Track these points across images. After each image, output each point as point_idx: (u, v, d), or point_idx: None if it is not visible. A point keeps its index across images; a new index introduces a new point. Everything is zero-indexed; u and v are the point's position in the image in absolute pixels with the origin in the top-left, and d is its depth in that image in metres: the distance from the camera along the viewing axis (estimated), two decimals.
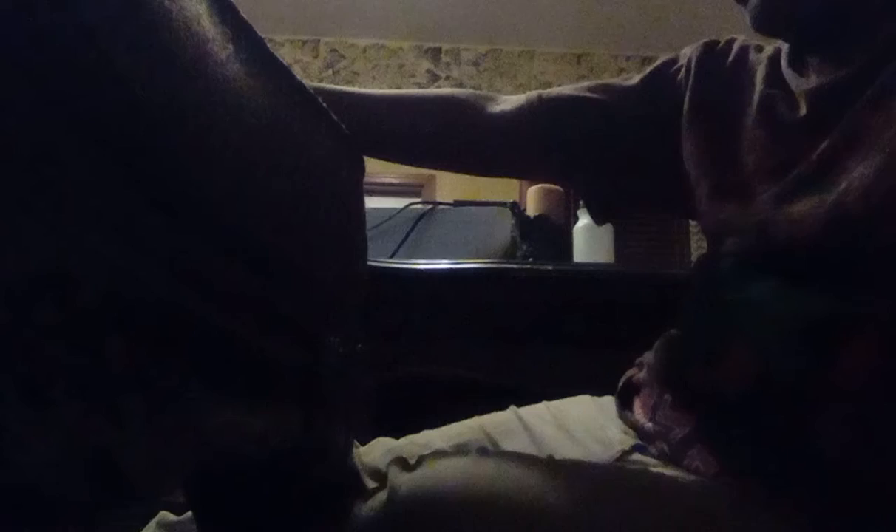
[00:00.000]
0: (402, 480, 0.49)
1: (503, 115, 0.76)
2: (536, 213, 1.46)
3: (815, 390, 0.49)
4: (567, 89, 0.77)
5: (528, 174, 0.90)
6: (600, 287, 1.05)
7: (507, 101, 0.78)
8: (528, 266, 1.16)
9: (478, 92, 0.80)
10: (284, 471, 0.53)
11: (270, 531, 0.55)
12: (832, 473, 0.49)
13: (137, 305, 0.36)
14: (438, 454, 0.53)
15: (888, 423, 0.47)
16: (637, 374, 0.68)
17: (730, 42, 0.70)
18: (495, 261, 1.16)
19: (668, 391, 0.61)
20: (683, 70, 0.71)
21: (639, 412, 0.64)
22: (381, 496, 0.49)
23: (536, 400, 0.75)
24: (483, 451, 0.52)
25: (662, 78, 0.73)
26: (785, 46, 0.64)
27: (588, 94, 0.75)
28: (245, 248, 0.41)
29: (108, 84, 0.30)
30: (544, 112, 0.75)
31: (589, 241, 1.43)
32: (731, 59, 0.69)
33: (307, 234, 0.47)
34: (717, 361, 0.55)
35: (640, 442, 0.61)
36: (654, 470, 0.56)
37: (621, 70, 3.69)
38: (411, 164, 0.82)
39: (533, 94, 0.77)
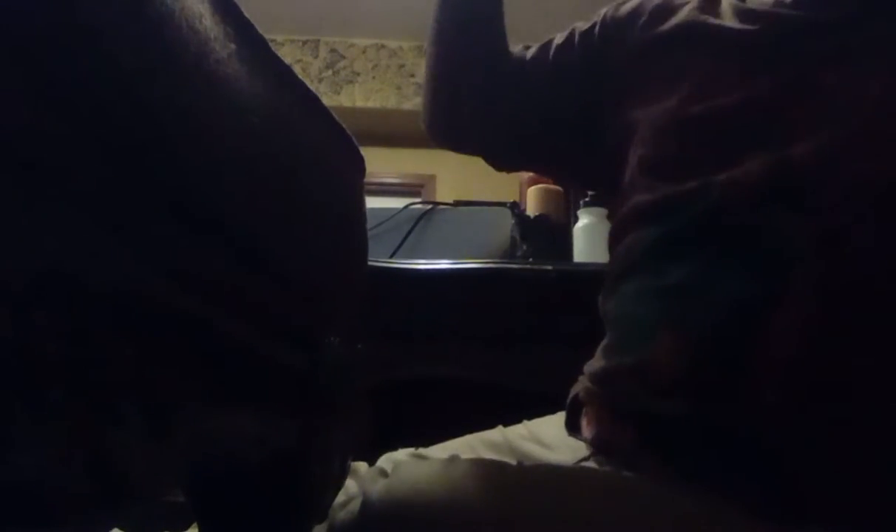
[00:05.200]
0: (376, 487, 0.50)
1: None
2: (536, 213, 1.46)
3: (748, 371, 0.48)
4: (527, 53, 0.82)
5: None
6: (600, 287, 1.05)
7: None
8: (528, 266, 1.16)
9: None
10: (285, 472, 0.53)
11: (270, 531, 0.55)
12: (772, 461, 0.48)
13: (136, 307, 0.36)
14: (412, 461, 0.53)
15: (818, 404, 0.47)
16: (580, 388, 0.67)
17: None
18: (495, 261, 1.16)
19: (609, 401, 0.60)
20: (602, 25, 0.72)
21: (586, 428, 0.63)
22: (356, 504, 0.50)
23: (536, 400, 0.75)
24: (454, 457, 0.52)
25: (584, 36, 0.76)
26: None
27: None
28: (245, 247, 0.41)
29: (110, 83, 0.30)
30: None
31: (589, 241, 1.42)
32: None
33: (308, 233, 0.47)
34: (647, 355, 0.53)
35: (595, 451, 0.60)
36: (620, 473, 0.55)
37: None
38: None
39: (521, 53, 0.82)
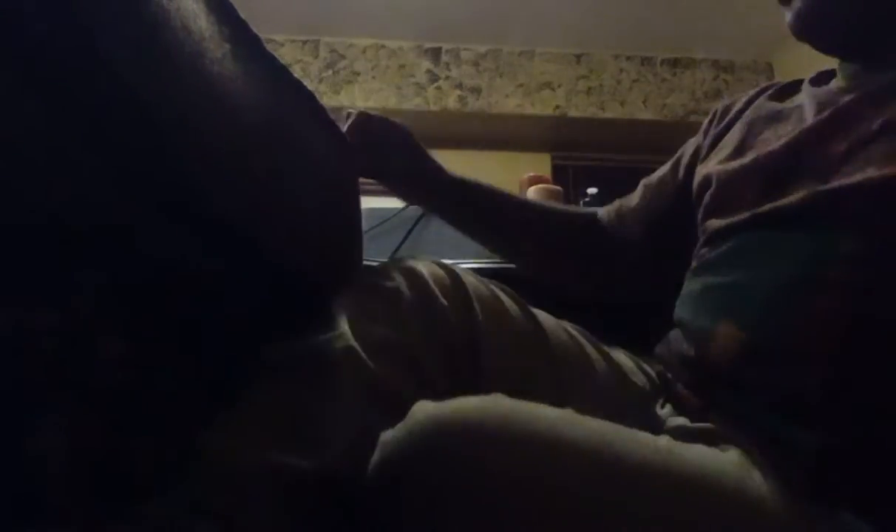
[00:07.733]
0: (424, 407, 0.47)
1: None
2: None
3: (792, 351, 0.53)
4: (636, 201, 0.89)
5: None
6: None
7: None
8: None
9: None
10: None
11: None
12: (820, 435, 0.51)
13: (137, 308, 0.36)
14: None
15: (861, 376, 0.50)
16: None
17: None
18: (495, 261, 1.16)
19: (678, 373, 0.66)
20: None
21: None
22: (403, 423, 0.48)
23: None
24: (517, 398, 0.50)
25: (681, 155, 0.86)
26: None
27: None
28: (241, 244, 0.41)
29: (107, 84, 0.30)
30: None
31: None
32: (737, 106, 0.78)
33: (302, 229, 0.47)
34: (708, 342, 0.60)
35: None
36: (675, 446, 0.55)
37: (621, 70, 3.68)
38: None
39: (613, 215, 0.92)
